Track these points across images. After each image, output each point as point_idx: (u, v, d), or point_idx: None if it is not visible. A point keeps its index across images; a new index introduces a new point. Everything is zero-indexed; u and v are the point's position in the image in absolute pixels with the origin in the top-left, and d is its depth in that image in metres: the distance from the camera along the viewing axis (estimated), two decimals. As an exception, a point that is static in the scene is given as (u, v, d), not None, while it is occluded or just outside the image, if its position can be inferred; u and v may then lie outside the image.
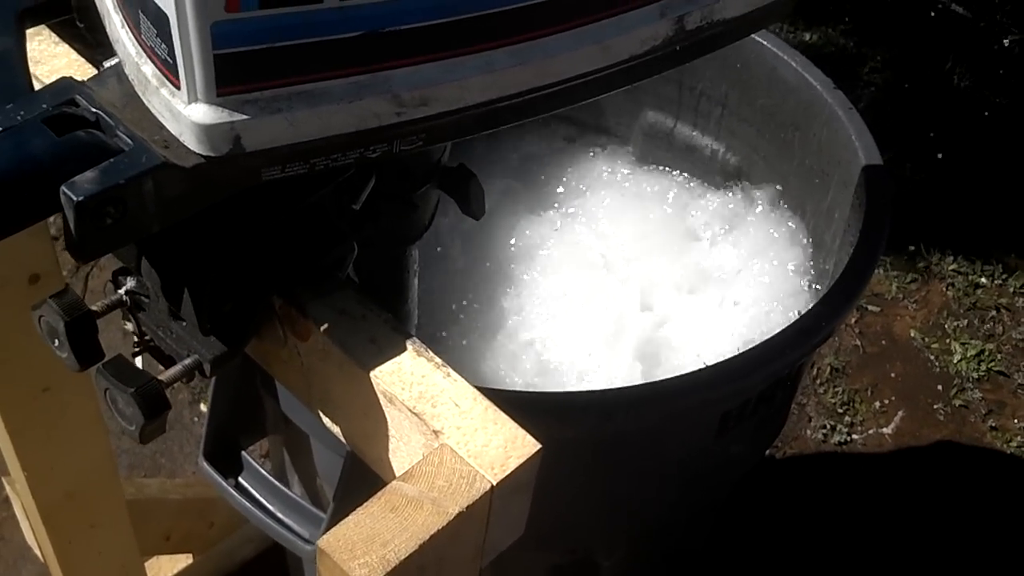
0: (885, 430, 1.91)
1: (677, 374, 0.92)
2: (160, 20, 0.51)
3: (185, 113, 0.52)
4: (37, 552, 1.29)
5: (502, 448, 0.58)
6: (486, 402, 0.61)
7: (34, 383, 1.03)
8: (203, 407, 1.81)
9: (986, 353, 2.02)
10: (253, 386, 0.99)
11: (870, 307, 2.09)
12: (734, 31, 0.65)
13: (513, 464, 0.58)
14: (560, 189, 1.39)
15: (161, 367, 0.65)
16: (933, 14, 2.71)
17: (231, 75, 0.51)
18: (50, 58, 0.80)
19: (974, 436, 1.91)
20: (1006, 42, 2.65)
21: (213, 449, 0.94)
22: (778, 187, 1.32)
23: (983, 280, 2.14)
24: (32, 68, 0.74)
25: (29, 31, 0.69)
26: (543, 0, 0.55)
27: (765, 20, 0.68)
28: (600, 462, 0.99)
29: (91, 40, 0.67)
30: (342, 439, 0.68)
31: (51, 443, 1.09)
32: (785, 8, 0.68)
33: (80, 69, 0.80)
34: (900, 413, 1.93)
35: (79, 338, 0.61)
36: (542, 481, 0.61)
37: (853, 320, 2.06)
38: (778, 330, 0.95)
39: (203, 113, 0.52)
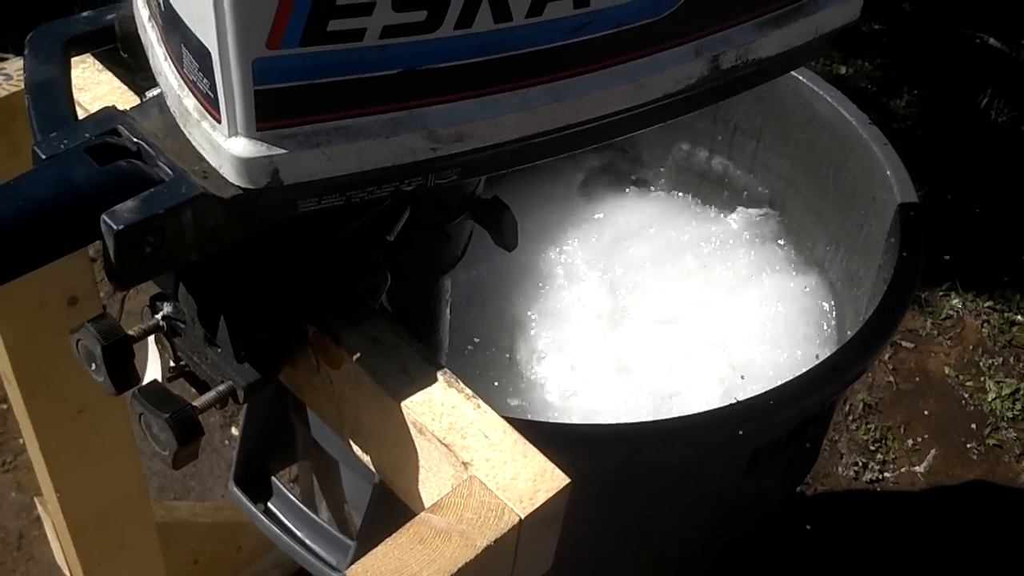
0: (917, 468, 1.89)
1: (707, 409, 0.91)
2: (202, 55, 0.52)
3: (225, 146, 0.53)
4: (66, 573, 1.30)
5: (531, 481, 0.59)
6: (515, 434, 0.61)
7: (69, 404, 1.04)
8: (234, 430, 1.82)
9: (1021, 392, 2.00)
10: (284, 412, 0.99)
11: (904, 343, 2.07)
12: (769, 70, 0.66)
13: (542, 498, 0.58)
14: (589, 215, 1.40)
15: (195, 392, 0.66)
16: (970, 48, 2.70)
17: (271, 110, 0.52)
18: (94, 85, 0.82)
19: (1008, 476, 1.89)
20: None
21: (243, 474, 0.94)
22: (812, 222, 1.31)
23: (1019, 318, 2.12)
24: (76, 95, 0.75)
25: (74, 59, 0.70)
26: (578, 40, 0.55)
27: (800, 59, 0.68)
28: (628, 495, 0.98)
29: (134, 66, 0.68)
30: (372, 468, 0.68)
31: (84, 464, 1.10)
32: (821, 48, 0.68)
33: (122, 97, 0.81)
34: (933, 451, 1.91)
35: (116, 363, 0.62)
36: (569, 514, 0.61)
37: (887, 356, 2.04)
38: (808, 367, 0.94)
39: (243, 147, 0.53)
